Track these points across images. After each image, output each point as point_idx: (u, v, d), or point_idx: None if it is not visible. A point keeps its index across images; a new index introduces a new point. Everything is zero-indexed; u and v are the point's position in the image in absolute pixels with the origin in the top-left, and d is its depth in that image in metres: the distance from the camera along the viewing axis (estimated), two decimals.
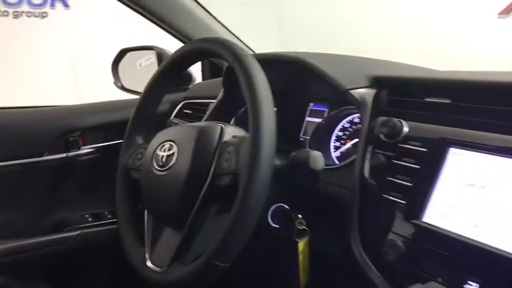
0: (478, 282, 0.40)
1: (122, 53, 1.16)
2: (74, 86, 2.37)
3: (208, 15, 1.01)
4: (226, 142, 0.54)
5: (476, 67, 0.66)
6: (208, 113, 0.84)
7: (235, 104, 0.83)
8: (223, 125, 0.56)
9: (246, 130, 0.52)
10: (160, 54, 1.03)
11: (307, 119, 0.77)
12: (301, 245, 0.57)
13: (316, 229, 0.59)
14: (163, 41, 1.04)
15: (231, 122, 0.86)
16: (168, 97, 1.03)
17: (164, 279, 0.54)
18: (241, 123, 0.85)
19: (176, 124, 0.79)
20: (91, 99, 1.10)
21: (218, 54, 0.55)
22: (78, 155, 0.88)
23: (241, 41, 1.09)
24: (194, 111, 0.93)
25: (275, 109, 0.50)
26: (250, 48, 1.09)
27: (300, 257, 0.57)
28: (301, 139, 0.77)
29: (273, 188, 0.52)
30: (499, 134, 0.44)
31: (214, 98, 0.86)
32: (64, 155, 0.87)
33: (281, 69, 0.70)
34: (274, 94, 0.50)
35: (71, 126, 0.90)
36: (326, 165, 0.56)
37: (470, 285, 0.41)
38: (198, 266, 0.49)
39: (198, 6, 0.98)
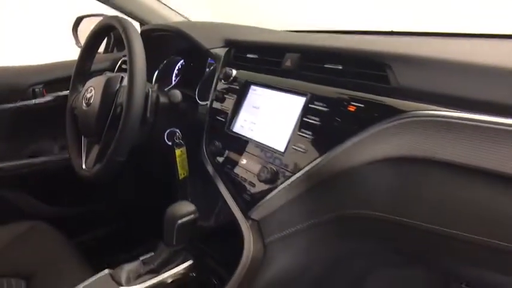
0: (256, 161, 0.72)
1: (79, 19, 1.43)
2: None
3: None
4: (122, 86, 0.84)
5: None
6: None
7: (154, 62, 1.13)
8: (123, 75, 0.86)
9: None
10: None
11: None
12: (178, 151, 0.89)
13: (189, 142, 0.90)
14: None
15: (155, 73, 1.17)
16: (112, 56, 1.33)
17: (90, 175, 0.86)
18: (163, 75, 1.17)
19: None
20: None
21: (116, 28, 0.83)
22: (42, 102, 1.19)
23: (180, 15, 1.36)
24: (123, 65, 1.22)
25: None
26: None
27: (178, 159, 0.89)
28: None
29: (164, 118, 0.84)
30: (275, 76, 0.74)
31: None
32: (32, 101, 1.18)
33: (167, 37, 0.99)
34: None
35: (37, 80, 1.20)
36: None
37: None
38: (106, 162, 0.81)
39: None
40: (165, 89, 0.99)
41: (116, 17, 0.85)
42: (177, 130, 0.95)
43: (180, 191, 0.93)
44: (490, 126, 0.45)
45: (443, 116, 0.49)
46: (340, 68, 0.63)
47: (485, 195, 0.47)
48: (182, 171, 0.91)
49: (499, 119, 0.45)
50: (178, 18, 1.36)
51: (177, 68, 1.18)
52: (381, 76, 0.56)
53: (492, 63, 0.48)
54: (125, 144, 0.77)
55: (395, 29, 0.97)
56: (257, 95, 0.76)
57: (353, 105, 0.57)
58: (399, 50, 0.56)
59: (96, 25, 0.92)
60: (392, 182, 0.54)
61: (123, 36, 0.80)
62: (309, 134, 0.61)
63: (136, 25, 1.13)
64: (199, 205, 0.73)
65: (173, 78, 1.18)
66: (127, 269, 0.70)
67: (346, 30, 1.08)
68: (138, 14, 1.26)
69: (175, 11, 1.36)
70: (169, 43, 1.13)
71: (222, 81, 0.84)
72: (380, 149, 0.53)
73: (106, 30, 0.92)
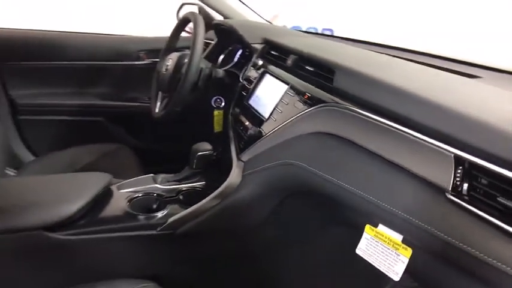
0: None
1: (182, 5, 1.88)
2: None
3: None
4: (187, 61, 1.23)
5: None
6: (208, 49, 1.53)
7: (221, 47, 1.50)
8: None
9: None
10: (199, 9, 1.73)
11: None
12: (216, 112, 1.26)
13: (227, 107, 1.26)
14: None
15: (220, 57, 1.54)
16: None
17: (157, 117, 1.28)
18: (227, 58, 1.54)
19: None
20: None
21: (191, 20, 1.22)
22: (142, 63, 1.66)
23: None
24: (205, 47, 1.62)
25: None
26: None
27: (215, 118, 1.26)
28: None
29: (213, 87, 1.23)
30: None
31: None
32: (136, 62, 1.66)
33: (221, 28, 1.35)
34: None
35: (142, 48, 1.68)
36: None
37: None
38: (167, 109, 1.22)
39: None
40: (222, 69, 1.36)
41: (192, 13, 1.24)
42: (221, 97, 1.32)
43: (214, 140, 1.31)
44: (387, 127, 0.66)
45: (358, 113, 0.74)
46: (311, 69, 0.92)
47: (375, 169, 0.72)
48: (217, 127, 1.28)
49: (393, 123, 0.66)
50: (255, 17, 1.71)
51: (238, 54, 1.55)
52: (328, 78, 0.85)
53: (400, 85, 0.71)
54: (179, 99, 1.16)
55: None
56: (267, 81, 1.08)
57: (307, 94, 0.87)
58: (345, 62, 0.84)
59: (181, 17, 1.32)
60: (324, 150, 0.82)
61: (193, 27, 1.18)
62: (280, 110, 0.93)
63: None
64: (220, 148, 1.09)
65: (234, 60, 1.54)
66: (162, 176, 1.11)
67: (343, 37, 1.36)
68: (222, 10, 1.65)
69: (253, 10, 1.72)
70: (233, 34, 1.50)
71: (252, 68, 1.18)
72: (314, 125, 0.83)
73: (186, 22, 1.32)
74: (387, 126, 0.67)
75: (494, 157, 0.52)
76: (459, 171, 0.56)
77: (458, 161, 0.56)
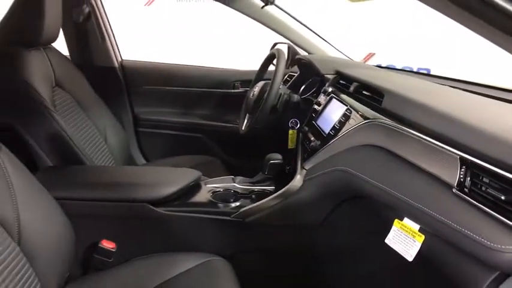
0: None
1: (275, 44, 2.18)
2: None
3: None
4: None
5: None
6: (290, 80, 1.77)
7: (304, 79, 1.74)
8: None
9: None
10: (289, 47, 2.00)
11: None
12: (290, 131, 1.47)
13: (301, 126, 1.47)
14: None
15: (302, 87, 1.77)
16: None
17: (242, 133, 1.54)
18: (307, 88, 1.76)
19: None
20: None
21: (275, 56, 1.48)
22: (237, 92, 1.98)
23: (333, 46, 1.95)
24: (289, 78, 1.87)
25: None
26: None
27: (289, 136, 1.48)
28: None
29: (290, 111, 1.46)
30: None
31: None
32: (233, 90, 1.99)
33: (302, 62, 1.58)
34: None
35: (237, 78, 2.01)
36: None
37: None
38: (250, 127, 1.47)
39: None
40: (299, 96, 1.58)
41: (277, 49, 1.50)
42: (297, 120, 1.53)
43: (287, 156, 1.52)
44: (419, 139, 0.80)
45: (400, 129, 0.89)
46: (367, 93, 1.09)
47: (407, 173, 0.86)
48: (291, 144, 1.49)
49: (426, 137, 0.80)
50: (333, 52, 1.93)
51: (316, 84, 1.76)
52: (379, 100, 1.01)
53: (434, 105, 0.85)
54: (260, 119, 1.41)
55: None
56: (332, 104, 1.27)
57: (360, 112, 1.04)
58: (392, 87, 1.00)
59: (269, 53, 1.60)
60: (369, 159, 0.98)
61: (276, 61, 1.43)
62: (338, 126, 1.11)
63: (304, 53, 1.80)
64: (292, 162, 1.30)
65: (313, 89, 1.76)
66: (239, 178, 1.35)
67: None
68: (307, 48, 1.91)
69: (333, 46, 1.94)
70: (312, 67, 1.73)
71: (322, 94, 1.38)
72: (361, 138, 0.99)
73: (272, 57, 1.59)
74: (417, 138, 0.82)
75: (492, 159, 0.64)
76: (463, 170, 0.68)
77: (463, 161, 0.69)
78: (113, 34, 1.99)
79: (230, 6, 1.85)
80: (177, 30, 3.69)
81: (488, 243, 0.58)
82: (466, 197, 0.66)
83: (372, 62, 3.18)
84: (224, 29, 3.45)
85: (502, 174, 0.61)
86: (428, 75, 1.74)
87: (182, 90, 2.02)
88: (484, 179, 0.66)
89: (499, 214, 0.60)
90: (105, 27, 1.92)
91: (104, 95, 1.76)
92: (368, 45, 3.40)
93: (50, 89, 1.43)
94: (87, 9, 1.83)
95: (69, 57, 1.88)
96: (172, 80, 2.02)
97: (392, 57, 3.17)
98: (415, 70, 2.58)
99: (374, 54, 3.48)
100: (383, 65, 2.01)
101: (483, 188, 0.65)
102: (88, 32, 1.89)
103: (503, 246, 0.56)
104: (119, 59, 2.02)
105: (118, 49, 2.02)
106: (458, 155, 0.69)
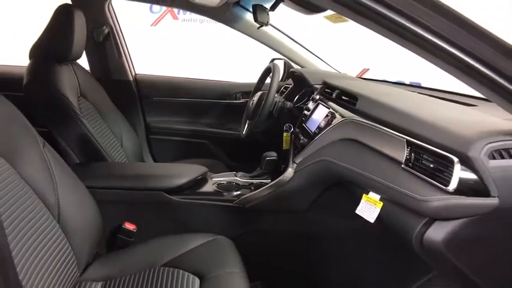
0: None
1: (272, 60, 2.43)
2: None
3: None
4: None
5: None
6: (286, 91, 2.01)
7: (297, 89, 1.97)
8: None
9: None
10: (285, 62, 2.24)
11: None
12: (285, 134, 1.70)
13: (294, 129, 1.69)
14: None
15: (296, 96, 2.00)
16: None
17: (244, 137, 1.77)
18: (301, 97, 1.99)
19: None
20: None
21: (271, 70, 1.72)
22: (239, 102, 2.21)
23: (323, 60, 2.19)
24: (285, 90, 2.11)
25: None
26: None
27: (284, 138, 1.70)
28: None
29: (284, 116, 1.69)
30: None
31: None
32: (235, 101, 2.22)
33: (295, 74, 1.82)
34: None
35: (239, 90, 2.24)
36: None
37: None
38: (249, 131, 1.70)
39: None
40: (292, 104, 1.81)
41: (272, 64, 1.74)
42: (291, 124, 1.76)
43: (282, 156, 1.74)
44: (379, 130, 1.04)
45: (366, 123, 1.12)
46: (346, 98, 1.32)
47: (375, 158, 1.08)
48: (285, 145, 1.72)
49: (385, 128, 1.04)
50: (324, 66, 2.17)
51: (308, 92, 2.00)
52: (354, 103, 1.23)
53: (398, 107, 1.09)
54: (258, 123, 1.64)
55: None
56: (319, 109, 1.50)
57: (338, 113, 1.27)
58: (364, 93, 1.22)
59: (267, 66, 1.84)
60: (346, 149, 1.20)
61: (271, 74, 1.67)
62: (322, 125, 1.33)
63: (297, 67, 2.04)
64: (287, 161, 1.53)
65: (305, 99, 1.99)
66: (241, 173, 1.57)
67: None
68: (298, 61, 2.15)
69: (323, 60, 2.19)
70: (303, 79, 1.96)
71: (311, 101, 1.61)
72: (340, 134, 1.21)
73: (269, 70, 1.83)
74: (378, 129, 1.04)
75: (427, 139, 0.86)
76: (408, 150, 0.90)
77: (408, 143, 0.91)
78: (128, 51, 2.24)
79: (231, 27, 2.10)
80: (182, 48, 3.96)
81: (420, 197, 0.80)
82: (410, 169, 0.88)
83: (366, 76, 3.40)
84: (226, 47, 3.70)
85: (433, 150, 0.83)
86: (417, 86, 1.96)
87: (189, 101, 2.26)
88: (424, 156, 0.88)
89: (428, 177, 0.82)
90: (121, 45, 2.17)
91: (120, 105, 2.00)
92: (362, 61, 3.64)
93: (77, 98, 1.66)
94: (106, 30, 2.08)
95: (89, 71, 2.12)
96: (181, 92, 2.26)
97: (385, 72, 3.37)
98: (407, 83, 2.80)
99: (368, 69, 3.72)
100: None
101: (423, 162, 0.87)
102: (106, 50, 2.14)
103: (428, 197, 0.78)
104: (133, 73, 2.27)
105: (132, 64, 2.27)
106: (404, 138, 0.92)
